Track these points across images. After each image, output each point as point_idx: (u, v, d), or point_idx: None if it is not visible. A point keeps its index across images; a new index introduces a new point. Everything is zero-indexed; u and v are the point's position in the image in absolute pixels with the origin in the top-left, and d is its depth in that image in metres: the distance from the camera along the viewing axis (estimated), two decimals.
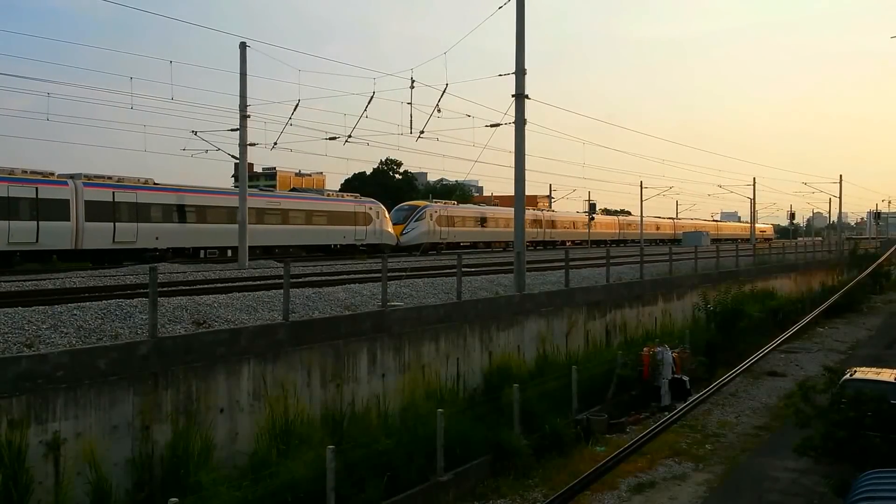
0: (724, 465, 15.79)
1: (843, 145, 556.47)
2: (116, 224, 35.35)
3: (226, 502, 10.81)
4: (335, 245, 48.39)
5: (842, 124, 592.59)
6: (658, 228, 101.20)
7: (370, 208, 51.52)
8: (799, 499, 13.78)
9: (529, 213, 70.73)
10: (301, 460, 12.24)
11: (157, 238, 37.32)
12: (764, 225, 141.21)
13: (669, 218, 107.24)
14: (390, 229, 52.94)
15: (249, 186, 39.74)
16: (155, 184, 38.52)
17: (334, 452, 11.48)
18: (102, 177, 36.09)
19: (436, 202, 61.11)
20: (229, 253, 39.24)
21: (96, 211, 34.58)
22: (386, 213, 53.55)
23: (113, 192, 35.47)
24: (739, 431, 18.49)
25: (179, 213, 39.04)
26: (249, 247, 38.02)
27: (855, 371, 16.66)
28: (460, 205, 66.29)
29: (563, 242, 75.74)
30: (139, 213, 36.48)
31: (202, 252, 39.98)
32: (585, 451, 16.59)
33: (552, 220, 76.59)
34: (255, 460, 12.82)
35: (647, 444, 16.79)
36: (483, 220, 64.36)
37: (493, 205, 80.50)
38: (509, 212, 70.22)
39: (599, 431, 18.08)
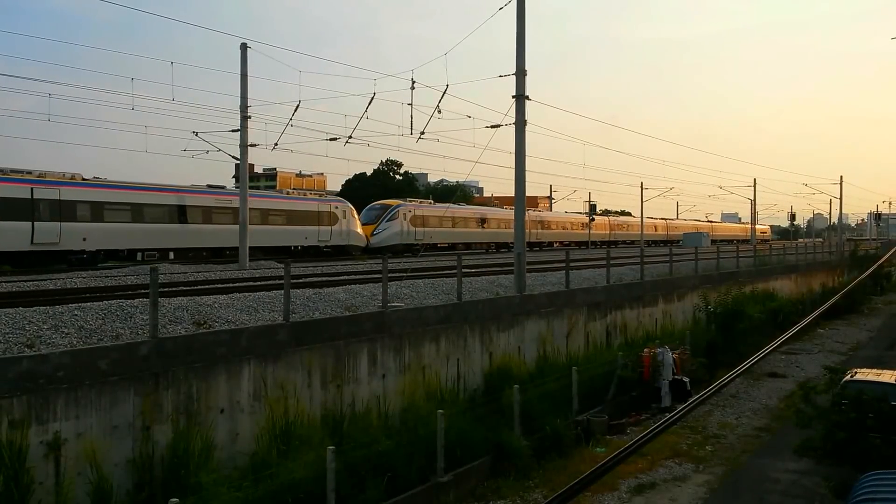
0: (725, 467, 15.79)
1: (844, 146, 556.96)
2: (35, 224, 31.95)
3: (226, 503, 10.82)
4: (295, 247, 45.28)
5: (843, 125, 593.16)
6: (656, 229, 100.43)
7: (336, 207, 48.73)
8: (799, 500, 13.78)
9: (509, 213, 68.82)
10: (301, 461, 12.24)
11: (84, 239, 33.83)
12: (761, 226, 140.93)
13: (662, 219, 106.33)
14: (359, 230, 50.32)
15: (249, 187, 39.20)
16: (83, 179, 35.44)
17: (335, 453, 11.49)
18: (20, 171, 32.99)
19: (410, 201, 58.33)
20: (171, 256, 36.84)
21: (11, 209, 31.23)
22: (354, 212, 50.72)
23: (31, 189, 32.22)
24: (740, 433, 18.48)
25: (111, 211, 35.24)
26: (193, 249, 37.26)
27: (856, 372, 16.65)
28: (437, 204, 63.34)
29: (552, 244, 73.75)
30: (63, 211, 33.05)
31: (139, 254, 36.33)
32: (586, 452, 16.59)
33: (541, 221, 73.97)
34: (256, 461, 12.82)
35: (648, 445, 16.79)
36: (463, 220, 61.76)
37: (494, 206, 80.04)
38: (492, 212, 68.09)
39: (600, 432, 18.08)
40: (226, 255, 38.79)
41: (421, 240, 54.04)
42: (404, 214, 53.72)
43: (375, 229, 52.07)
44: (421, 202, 59.38)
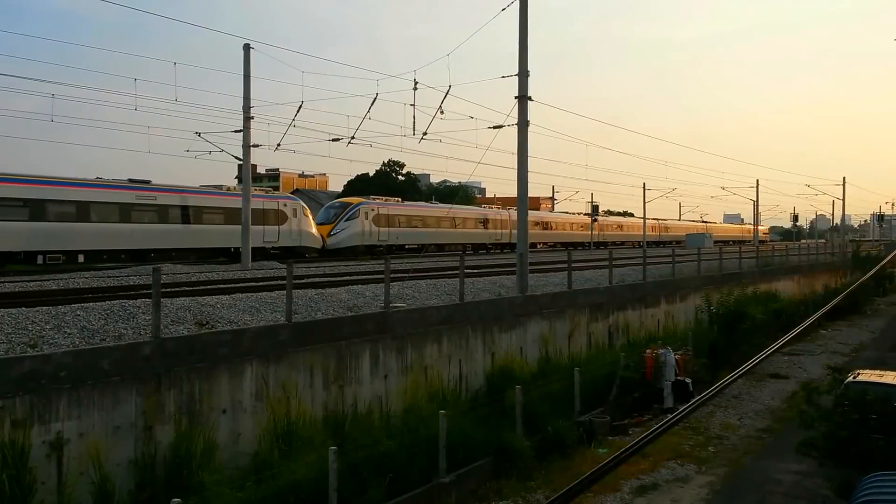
0: (727, 468, 15.77)
1: (847, 147, 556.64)
2: None
3: (228, 503, 10.82)
4: (236, 248, 39.20)
5: (846, 126, 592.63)
6: (651, 230, 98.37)
7: (285, 205, 44.47)
8: (802, 501, 13.77)
9: (493, 213, 66.09)
10: (303, 461, 12.24)
11: None
12: (760, 227, 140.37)
13: (654, 219, 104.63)
14: (313, 230, 46.30)
15: (253, 185, 38.48)
16: None
17: (336, 453, 11.49)
18: None
19: (374, 199, 54.52)
20: (80, 259, 33.13)
21: None
22: (307, 211, 46.69)
23: None
24: (742, 434, 18.46)
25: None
26: (106, 251, 33.61)
27: (858, 373, 16.59)
28: (407, 202, 59.34)
29: (536, 245, 67.96)
30: None
31: (40, 258, 31.94)
32: (588, 452, 16.57)
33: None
34: (258, 461, 12.83)
35: (650, 445, 16.78)
36: (435, 220, 57.28)
37: (497, 206, 79.50)
38: (466, 210, 64.30)
39: (602, 433, 18.06)
40: (150, 259, 35.45)
41: (385, 241, 51.03)
42: (366, 213, 50.22)
43: (332, 229, 48.58)
44: (387, 200, 55.64)
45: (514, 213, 66.63)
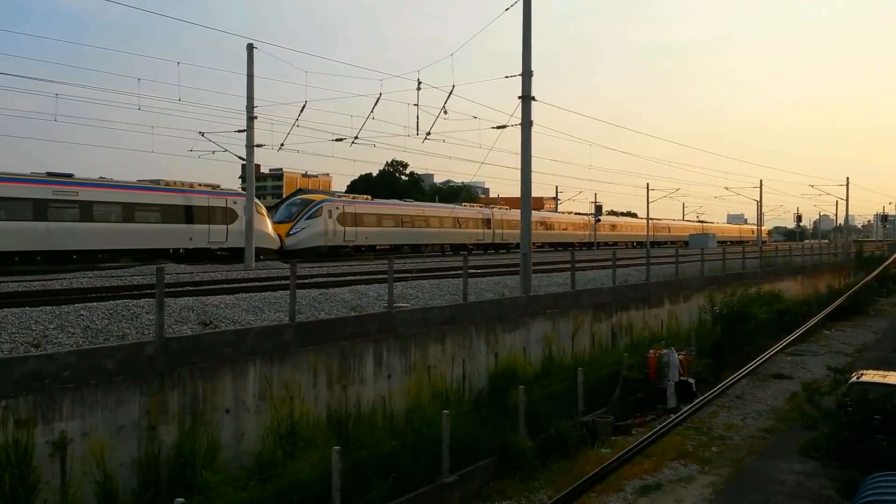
0: (730, 468, 15.76)
1: (851, 147, 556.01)
2: None
3: (231, 502, 10.84)
4: (175, 249, 37.47)
5: (849, 126, 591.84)
6: (651, 231, 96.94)
7: (234, 202, 40.19)
8: (805, 502, 13.75)
9: (473, 211, 63.21)
10: (307, 461, 12.25)
11: None
12: (755, 226, 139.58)
13: (649, 219, 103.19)
14: (268, 229, 42.31)
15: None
16: None
17: (340, 453, 11.51)
18: None
19: (341, 196, 51.69)
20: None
21: None
22: (260, 208, 42.16)
23: None
24: (745, 434, 18.45)
25: None
26: (21, 252, 31.23)
27: (862, 373, 16.59)
28: (377, 200, 55.55)
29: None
30: None
31: None
32: (591, 452, 16.57)
33: (506, 220, 65.19)
34: (261, 461, 12.83)
35: (653, 446, 16.75)
36: (409, 219, 53.96)
37: (499, 207, 78.99)
38: (445, 209, 60.30)
39: (605, 433, 18.07)
40: (73, 261, 32.85)
41: (352, 241, 47.83)
42: (329, 211, 46.52)
43: (291, 229, 44.86)
44: (355, 198, 51.83)
45: (497, 212, 65.43)
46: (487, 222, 62.69)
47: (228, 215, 39.98)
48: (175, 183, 38.82)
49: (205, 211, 38.75)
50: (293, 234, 44.54)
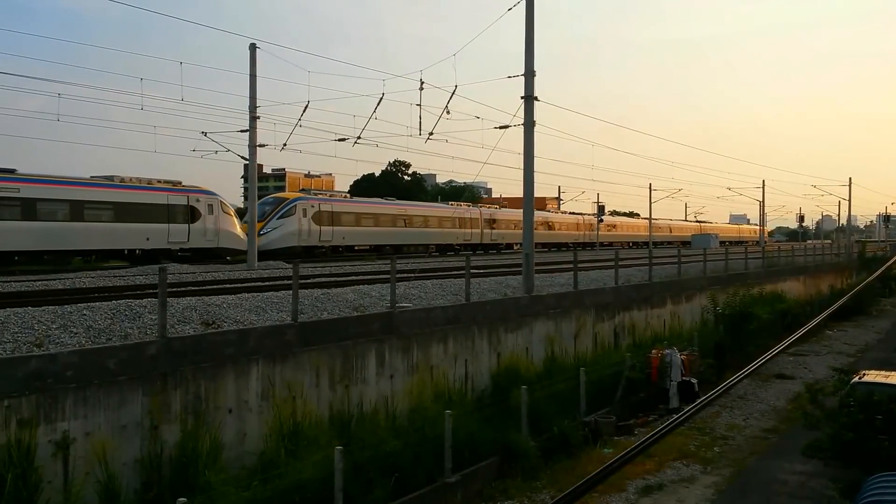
0: (733, 468, 15.76)
1: (854, 148, 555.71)
2: None
3: (234, 502, 10.85)
4: (130, 251, 35.15)
5: (852, 126, 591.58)
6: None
7: (197, 200, 38.01)
8: (807, 502, 13.74)
9: (461, 210, 60.51)
10: (309, 461, 12.26)
11: None
12: (754, 226, 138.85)
13: (644, 218, 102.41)
14: (235, 229, 40.32)
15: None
16: None
17: (342, 453, 11.51)
18: None
19: (317, 194, 49.06)
20: None
21: None
22: (227, 207, 40.74)
23: None
24: (748, 434, 18.44)
25: None
26: None
27: (864, 374, 16.58)
28: (357, 198, 53.68)
29: (511, 246, 64.04)
30: None
31: None
32: (593, 452, 16.58)
33: (493, 219, 63.08)
34: (264, 460, 12.85)
35: (655, 445, 16.75)
36: (390, 219, 51.85)
37: (502, 206, 78.51)
38: (430, 208, 58.39)
39: (607, 433, 18.07)
40: (14, 262, 30.70)
41: (328, 241, 45.94)
42: (304, 210, 44.58)
43: (262, 228, 41.69)
44: (332, 195, 50.02)
45: (486, 212, 63.38)
46: (477, 222, 60.92)
47: (191, 214, 37.68)
48: (131, 179, 36.43)
49: (164, 209, 36.46)
50: (264, 234, 42.08)
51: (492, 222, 62.61)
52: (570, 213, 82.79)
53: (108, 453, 11.16)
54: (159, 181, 37.36)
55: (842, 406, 13.99)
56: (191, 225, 37.50)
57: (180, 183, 38.45)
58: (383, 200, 56.17)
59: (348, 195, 53.84)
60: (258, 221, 40.28)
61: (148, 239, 35.53)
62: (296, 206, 44.48)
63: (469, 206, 63.80)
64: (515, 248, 62.70)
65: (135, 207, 35.15)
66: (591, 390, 19.01)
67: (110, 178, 36.02)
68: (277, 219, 43.47)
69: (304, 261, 34.56)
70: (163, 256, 35.62)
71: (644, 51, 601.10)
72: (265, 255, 39.27)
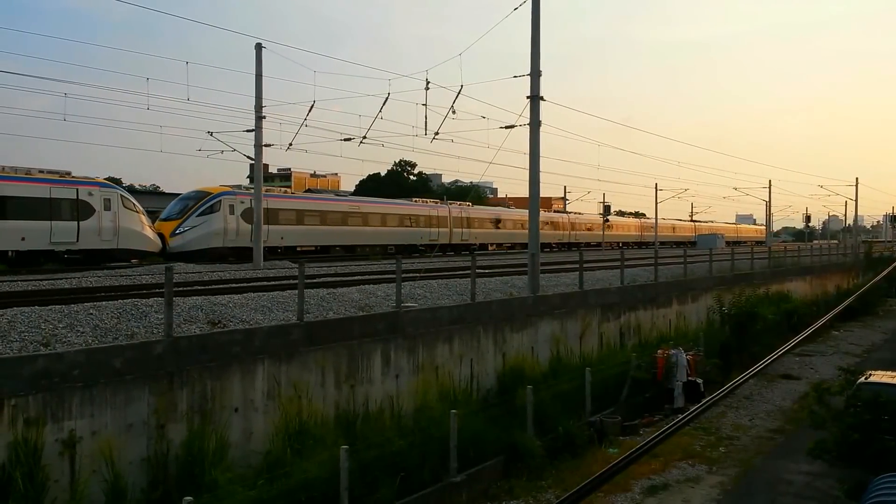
0: (738, 468, 15.74)
1: (860, 148, 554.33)
2: None
3: (240, 501, 10.86)
4: (14, 251, 30.30)
5: (859, 126, 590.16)
6: (640, 230, 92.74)
7: (89, 194, 32.19)
8: (812, 502, 13.73)
9: (425, 208, 55.95)
10: (315, 460, 12.28)
11: None
12: (752, 225, 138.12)
13: (640, 217, 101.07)
14: (142, 228, 34.54)
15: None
16: None
17: (348, 452, 11.53)
18: None
19: (249, 189, 42.28)
20: None
21: None
22: (131, 202, 34.35)
23: None
24: (753, 434, 18.42)
25: None
26: None
27: (870, 374, 16.55)
28: (300, 194, 49.06)
29: (485, 247, 60.21)
30: None
31: None
32: (598, 452, 16.57)
33: (467, 218, 58.93)
34: (270, 460, 12.87)
35: (661, 446, 16.76)
36: (340, 217, 46.90)
37: (507, 206, 77.85)
38: (387, 205, 52.95)
39: (613, 433, 18.06)
40: None
41: (264, 242, 36.89)
42: (231, 206, 39.17)
43: (177, 227, 37.25)
44: (269, 190, 43.54)
45: (456, 209, 58.46)
46: (445, 220, 56.19)
47: (80, 209, 31.77)
48: (3, 169, 30.52)
49: (45, 204, 30.64)
50: (179, 233, 37.25)
51: (465, 221, 58.58)
52: (555, 210, 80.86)
53: (114, 452, 11.18)
54: (41, 171, 31.72)
55: (848, 406, 13.98)
56: (81, 223, 31.73)
57: (69, 174, 32.89)
58: (333, 196, 52.00)
59: (289, 190, 48.60)
60: (173, 219, 37.82)
61: (23, 239, 30.07)
62: (220, 201, 38.95)
63: (437, 202, 59.53)
64: (490, 248, 60.88)
65: (19, 202, 30.02)
66: (596, 390, 19.01)
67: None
68: (197, 216, 38.01)
69: (311, 260, 33.17)
70: (45, 259, 31.09)
71: (651, 51, 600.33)
72: (178, 257, 35.51)
